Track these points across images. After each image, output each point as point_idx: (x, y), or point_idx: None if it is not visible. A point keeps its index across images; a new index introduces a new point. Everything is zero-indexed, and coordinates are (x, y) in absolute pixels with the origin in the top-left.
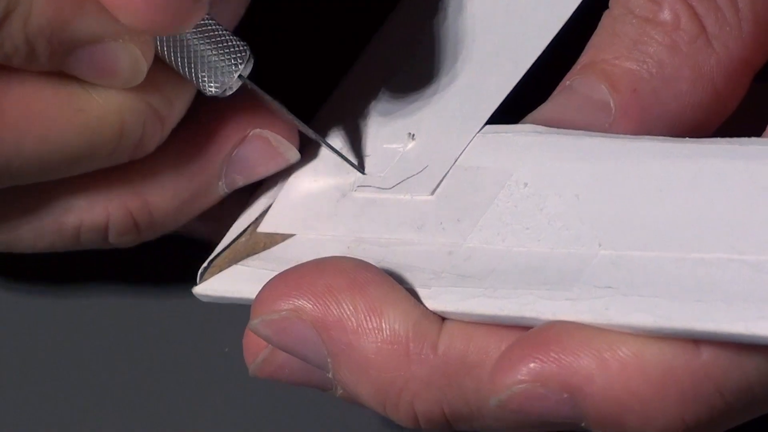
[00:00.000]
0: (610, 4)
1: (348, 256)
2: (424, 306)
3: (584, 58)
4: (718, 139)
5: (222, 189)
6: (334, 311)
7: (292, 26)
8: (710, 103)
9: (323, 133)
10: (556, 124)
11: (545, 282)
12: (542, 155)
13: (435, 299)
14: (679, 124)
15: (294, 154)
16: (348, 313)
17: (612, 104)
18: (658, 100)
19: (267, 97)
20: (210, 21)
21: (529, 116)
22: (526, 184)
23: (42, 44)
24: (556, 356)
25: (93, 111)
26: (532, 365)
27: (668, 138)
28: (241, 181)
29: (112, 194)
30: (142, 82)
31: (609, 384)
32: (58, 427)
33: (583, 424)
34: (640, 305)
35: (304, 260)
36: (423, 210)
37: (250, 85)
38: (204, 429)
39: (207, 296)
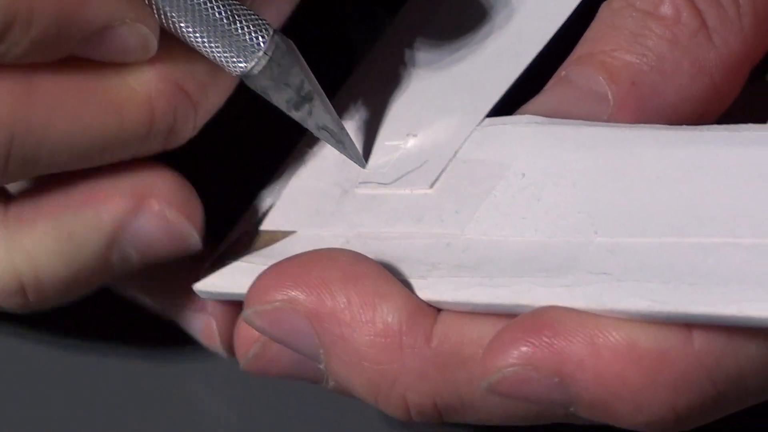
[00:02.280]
0: None
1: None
2: (419, 298)
3: (581, 50)
4: (714, 126)
5: (117, 263)
6: (328, 303)
7: (295, 26)
8: (708, 96)
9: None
10: (553, 115)
11: (542, 270)
12: (539, 145)
13: (431, 289)
14: (677, 117)
15: (195, 241)
16: (342, 305)
17: (610, 96)
18: (657, 93)
19: (302, 66)
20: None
21: (524, 107)
22: (523, 175)
23: (48, 43)
24: (548, 340)
25: (122, 92)
26: (523, 348)
27: (664, 126)
28: (136, 257)
29: (1, 249)
30: (173, 67)
31: (600, 370)
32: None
33: (572, 409)
34: (634, 290)
35: None
36: (422, 203)
37: (279, 59)
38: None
39: (207, 292)
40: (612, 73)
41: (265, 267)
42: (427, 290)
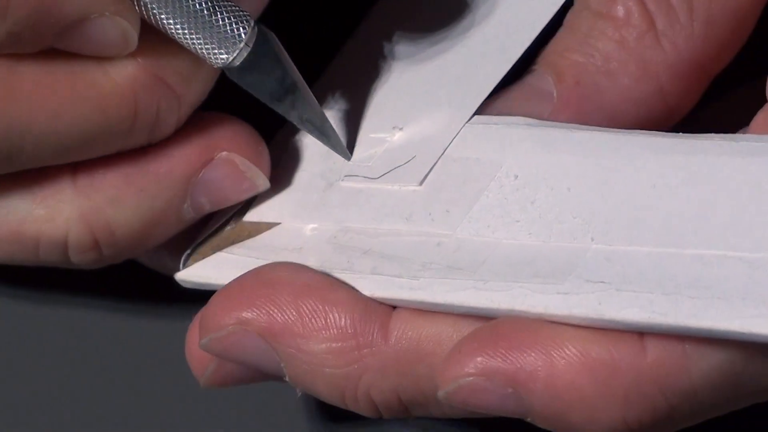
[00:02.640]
0: (574, 1)
1: (332, 246)
2: (368, 298)
3: (542, 51)
4: (712, 135)
5: (188, 213)
6: (279, 318)
7: (277, 15)
8: (654, 100)
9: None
10: (499, 113)
11: (536, 275)
12: (533, 147)
13: (424, 290)
14: (620, 118)
15: (263, 181)
16: (292, 317)
17: (554, 94)
18: (600, 93)
19: (283, 57)
20: None
21: (482, 107)
22: (516, 176)
23: (25, 35)
24: (504, 351)
25: (105, 85)
26: (479, 359)
27: (660, 132)
28: (208, 205)
29: (73, 207)
30: (155, 60)
31: (553, 381)
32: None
33: (529, 419)
34: (634, 301)
35: (289, 248)
36: (411, 200)
37: (260, 50)
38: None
39: (190, 282)
40: (559, 72)
41: (249, 258)
42: (420, 291)
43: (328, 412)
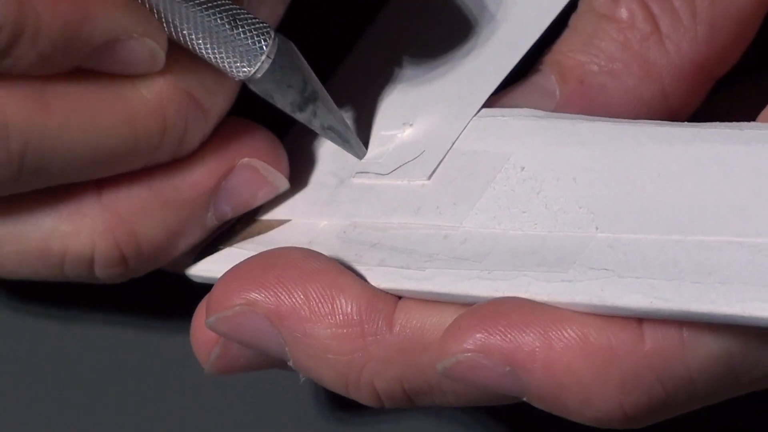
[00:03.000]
0: (578, 2)
1: (341, 240)
2: (375, 287)
3: (546, 53)
4: (717, 123)
5: (211, 221)
6: (286, 301)
7: (287, 15)
8: (657, 101)
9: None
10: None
11: (541, 264)
12: (539, 139)
13: (430, 281)
14: (622, 118)
15: (283, 183)
16: (300, 301)
17: (558, 93)
18: (603, 93)
19: (303, 67)
20: (228, 2)
21: (486, 105)
22: (523, 168)
23: (55, 56)
24: (503, 329)
25: (134, 101)
26: (478, 335)
27: (665, 122)
28: (230, 212)
29: (99, 221)
30: (182, 75)
31: (550, 362)
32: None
33: (525, 399)
34: (636, 287)
35: (299, 243)
36: (420, 194)
37: (282, 62)
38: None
39: (200, 277)
40: (563, 72)
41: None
42: (425, 282)
43: (331, 402)
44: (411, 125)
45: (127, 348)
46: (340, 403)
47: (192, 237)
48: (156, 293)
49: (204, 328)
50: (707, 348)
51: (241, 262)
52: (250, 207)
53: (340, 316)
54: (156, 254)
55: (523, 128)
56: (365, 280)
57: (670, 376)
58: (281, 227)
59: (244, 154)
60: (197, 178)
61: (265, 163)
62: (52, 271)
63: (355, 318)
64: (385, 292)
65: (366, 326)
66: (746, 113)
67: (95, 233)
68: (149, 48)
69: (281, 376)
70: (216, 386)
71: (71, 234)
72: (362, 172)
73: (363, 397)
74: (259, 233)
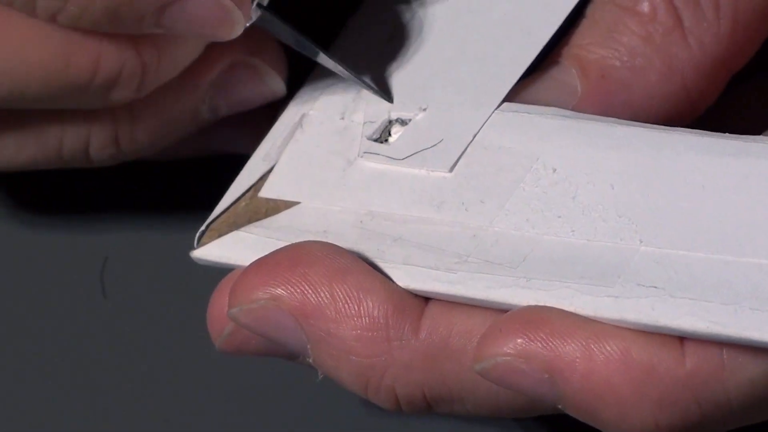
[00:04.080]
0: None
1: (359, 231)
2: (403, 289)
3: (563, 44)
4: (761, 137)
5: (205, 113)
6: (312, 299)
7: None
8: (678, 97)
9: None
10: (522, 102)
11: (583, 275)
12: (571, 140)
13: (463, 284)
14: (644, 114)
15: (280, 86)
16: (326, 300)
17: (579, 88)
18: (625, 88)
19: (286, 29)
20: None
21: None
22: (554, 170)
23: (125, 12)
24: (545, 337)
25: (73, 38)
26: (519, 340)
27: (706, 132)
28: (224, 107)
29: None
30: None
31: (590, 374)
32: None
33: (560, 406)
34: (690, 309)
35: (312, 231)
36: (441, 187)
37: (268, 16)
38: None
39: (206, 261)
40: (584, 66)
41: (270, 239)
42: (458, 285)
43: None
44: (424, 109)
45: (125, 347)
46: (355, 403)
47: (185, 127)
48: (156, 291)
49: (220, 306)
50: (747, 371)
51: (266, 256)
52: (245, 107)
53: (367, 318)
54: (149, 140)
55: (551, 127)
56: (391, 280)
57: (708, 398)
58: (290, 210)
59: (244, 51)
60: (196, 69)
61: (264, 64)
62: (51, 157)
63: (381, 321)
64: (413, 294)
65: (392, 331)
66: (761, 111)
67: (91, 114)
68: (223, 5)
69: (293, 373)
70: (223, 380)
71: (68, 115)
72: (371, 153)
73: (382, 400)
74: (266, 214)
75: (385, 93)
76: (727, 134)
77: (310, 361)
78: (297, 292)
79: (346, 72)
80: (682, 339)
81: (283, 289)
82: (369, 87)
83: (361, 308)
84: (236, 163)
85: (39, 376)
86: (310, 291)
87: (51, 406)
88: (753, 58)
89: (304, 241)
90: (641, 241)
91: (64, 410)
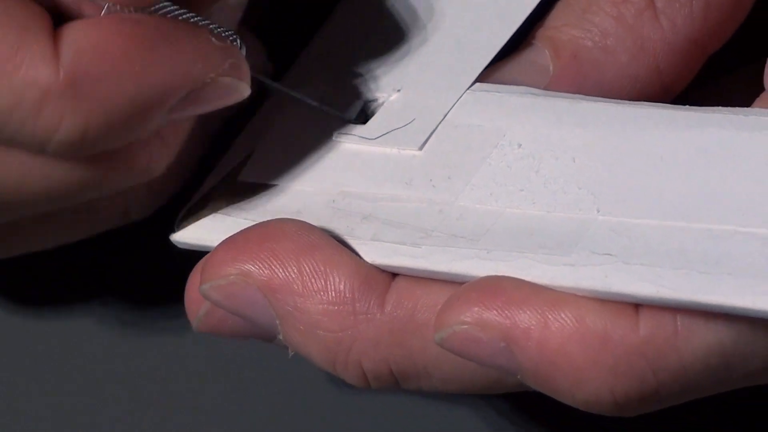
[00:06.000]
0: None
1: (331, 210)
2: (370, 264)
3: (539, 26)
4: (720, 108)
5: (173, 116)
6: (280, 274)
7: None
8: (650, 78)
9: (303, 81)
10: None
11: (542, 246)
12: (537, 117)
13: (426, 258)
14: (615, 94)
15: (246, 91)
16: (293, 275)
17: (551, 68)
18: (597, 68)
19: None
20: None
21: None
22: (520, 145)
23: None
24: (501, 305)
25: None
26: (475, 308)
27: (668, 105)
28: (190, 112)
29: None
30: None
31: (545, 342)
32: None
33: (519, 377)
34: (642, 274)
35: (287, 211)
36: (411, 165)
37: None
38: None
39: (186, 243)
40: (556, 46)
41: (246, 221)
42: (421, 259)
43: (317, 381)
44: (398, 90)
45: (123, 345)
46: (327, 382)
47: (150, 125)
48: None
49: (196, 288)
50: (700, 338)
51: (237, 233)
52: (212, 109)
53: (333, 293)
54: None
55: (519, 105)
56: (359, 256)
57: (663, 365)
58: (267, 192)
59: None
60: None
61: (228, 75)
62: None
63: (347, 296)
64: (380, 270)
65: (358, 305)
66: (745, 103)
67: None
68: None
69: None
70: (209, 377)
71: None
72: (345, 134)
73: (350, 376)
74: (245, 197)
75: (349, 102)
76: (687, 107)
77: (280, 337)
78: (265, 267)
79: (302, 97)
80: (637, 306)
81: (251, 265)
82: (323, 108)
83: (328, 283)
84: None
85: (39, 377)
86: (278, 266)
87: (51, 406)
88: (736, 48)
89: (275, 219)
90: (599, 211)
91: (65, 410)
